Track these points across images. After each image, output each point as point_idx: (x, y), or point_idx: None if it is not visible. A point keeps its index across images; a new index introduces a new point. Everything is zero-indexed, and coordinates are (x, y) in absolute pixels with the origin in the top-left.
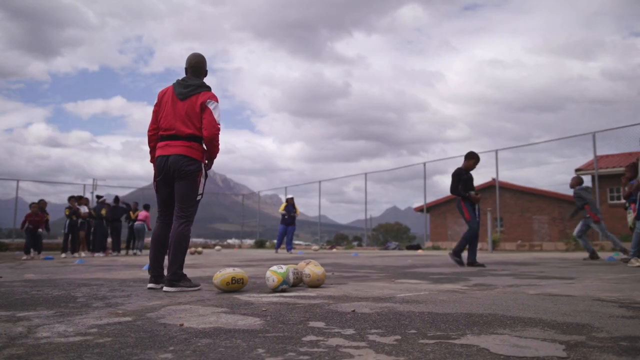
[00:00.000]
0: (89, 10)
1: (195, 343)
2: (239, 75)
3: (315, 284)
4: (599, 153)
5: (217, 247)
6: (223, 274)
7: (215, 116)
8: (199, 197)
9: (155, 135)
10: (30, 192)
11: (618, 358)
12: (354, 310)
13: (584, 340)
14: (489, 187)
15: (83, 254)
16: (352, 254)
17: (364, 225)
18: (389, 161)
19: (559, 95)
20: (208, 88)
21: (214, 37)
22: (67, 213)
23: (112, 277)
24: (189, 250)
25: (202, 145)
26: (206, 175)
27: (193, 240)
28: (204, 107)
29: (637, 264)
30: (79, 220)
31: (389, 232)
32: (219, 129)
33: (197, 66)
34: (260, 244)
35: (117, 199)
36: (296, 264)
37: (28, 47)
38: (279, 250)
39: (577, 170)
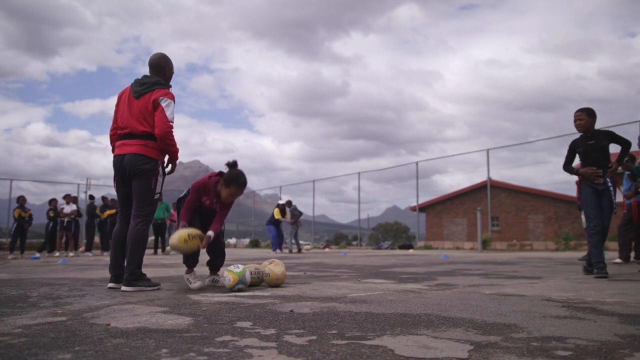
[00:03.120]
0: (87, 10)
1: (105, 343)
2: (236, 75)
3: (275, 284)
4: None
5: None
6: (179, 233)
7: (168, 114)
8: (156, 196)
9: (116, 135)
10: (30, 192)
11: (518, 358)
12: (291, 310)
13: (498, 340)
14: (483, 186)
15: (71, 254)
16: (341, 254)
17: (363, 225)
18: (388, 160)
19: (557, 95)
20: (163, 85)
21: (211, 37)
22: (51, 214)
23: (82, 277)
24: None
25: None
26: (164, 174)
27: None
28: (156, 105)
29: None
30: (65, 220)
31: (389, 232)
32: (170, 127)
33: (153, 64)
34: (255, 244)
35: (104, 198)
36: (259, 264)
37: (26, 46)
38: (282, 250)
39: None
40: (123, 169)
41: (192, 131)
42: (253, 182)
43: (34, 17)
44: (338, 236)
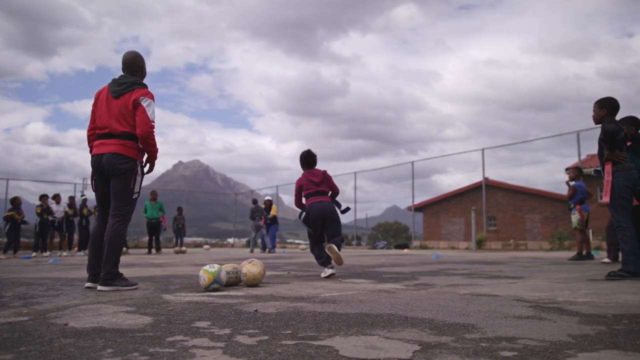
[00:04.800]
0: (86, 10)
1: (54, 343)
2: (235, 75)
3: (252, 283)
4: (592, 152)
5: (206, 246)
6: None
7: (149, 113)
8: (135, 196)
9: (94, 136)
10: (29, 191)
11: (460, 359)
12: (256, 310)
13: (449, 341)
14: (481, 186)
15: (65, 253)
16: None
17: (363, 225)
18: (388, 160)
19: (557, 95)
20: (142, 85)
21: (210, 37)
22: (37, 211)
23: (65, 277)
24: (173, 250)
25: (137, 144)
26: (142, 174)
27: (194, 239)
28: (136, 105)
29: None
30: (56, 219)
31: (388, 231)
32: (152, 127)
33: (128, 63)
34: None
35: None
36: (239, 264)
37: (25, 46)
38: (276, 250)
39: (567, 169)
40: (101, 169)
41: (192, 131)
42: (252, 182)
43: (33, 16)
44: None
